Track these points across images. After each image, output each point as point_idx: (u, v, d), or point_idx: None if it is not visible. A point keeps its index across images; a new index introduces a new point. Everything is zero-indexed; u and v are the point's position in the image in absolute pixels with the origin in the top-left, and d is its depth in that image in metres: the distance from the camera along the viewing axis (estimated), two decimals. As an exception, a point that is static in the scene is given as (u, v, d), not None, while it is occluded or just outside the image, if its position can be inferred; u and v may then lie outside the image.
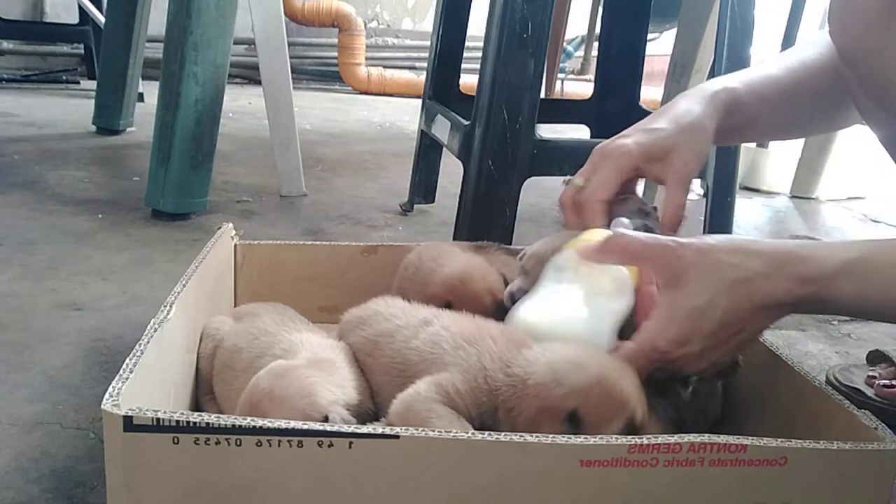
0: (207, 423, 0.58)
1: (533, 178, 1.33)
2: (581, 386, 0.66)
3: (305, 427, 0.59)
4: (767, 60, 0.94)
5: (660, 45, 3.48)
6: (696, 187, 2.47)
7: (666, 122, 0.82)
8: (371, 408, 0.79)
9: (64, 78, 3.86)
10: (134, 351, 0.68)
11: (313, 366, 0.76)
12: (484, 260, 1.01)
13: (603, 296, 0.76)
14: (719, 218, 1.57)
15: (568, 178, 0.85)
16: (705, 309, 0.67)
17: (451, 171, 1.94)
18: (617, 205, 0.85)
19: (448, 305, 0.89)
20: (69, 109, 3.11)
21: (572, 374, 0.67)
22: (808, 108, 0.90)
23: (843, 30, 0.76)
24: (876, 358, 1.13)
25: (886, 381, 1.06)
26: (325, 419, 0.68)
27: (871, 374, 1.10)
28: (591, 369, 0.67)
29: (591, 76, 2.82)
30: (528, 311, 0.78)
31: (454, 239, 1.39)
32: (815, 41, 0.90)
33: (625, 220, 0.80)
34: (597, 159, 0.83)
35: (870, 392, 1.06)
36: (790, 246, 0.68)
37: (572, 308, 0.76)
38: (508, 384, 0.69)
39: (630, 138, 0.82)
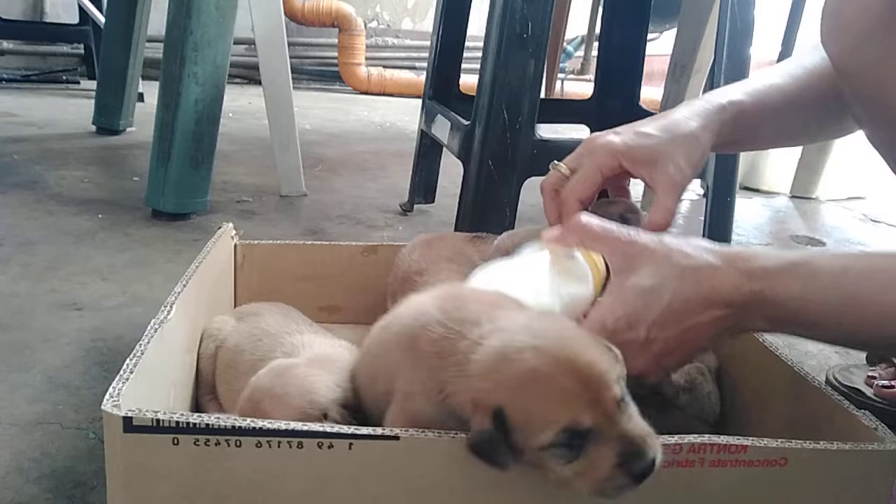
0: (207, 425, 0.58)
1: (533, 178, 1.33)
2: (506, 378, 0.57)
3: (305, 428, 0.59)
4: (769, 69, 0.93)
5: (660, 45, 3.48)
6: (696, 187, 2.47)
7: (659, 130, 0.81)
8: None
9: (64, 78, 3.86)
10: (134, 351, 0.68)
11: (313, 364, 0.76)
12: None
13: (560, 277, 0.75)
14: (719, 218, 1.56)
15: (555, 162, 0.85)
16: (654, 291, 0.66)
17: (451, 171, 1.94)
18: (603, 206, 0.85)
19: None
20: (69, 109, 3.11)
21: (503, 360, 0.58)
22: (815, 114, 0.90)
23: (835, 41, 0.76)
24: (876, 358, 1.14)
25: (886, 382, 1.06)
26: (325, 416, 0.68)
27: (870, 374, 1.10)
28: (526, 356, 0.57)
29: (591, 76, 2.82)
30: (480, 278, 0.78)
31: (454, 239, 1.39)
32: (816, 45, 0.89)
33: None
34: (584, 152, 0.83)
35: (869, 392, 1.06)
36: (741, 248, 0.68)
37: (524, 282, 0.75)
38: (453, 361, 0.61)
39: (620, 136, 0.82)
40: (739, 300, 0.65)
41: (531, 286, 0.74)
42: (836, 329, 0.65)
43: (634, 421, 0.59)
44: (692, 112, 0.84)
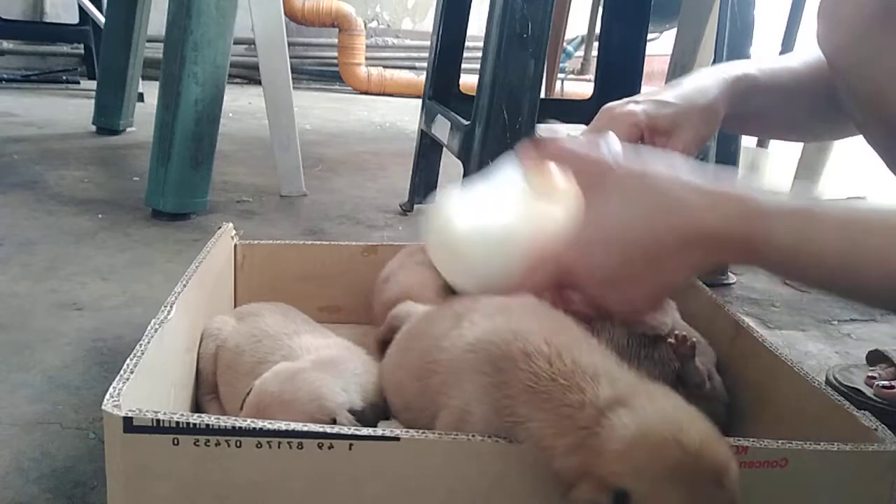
0: (207, 425, 0.58)
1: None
2: (648, 467, 0.54)
3: (305, 429, 0.59)
4: (787, 54, 0.92)
5: (660, 45, 3.48)
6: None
7: (678, 99, 0.80)
8: (379, 404, 0.79)
9: (64, 78, 3.86)
10: (134, 351, 0.68)
11: (320, 368, 0.76)
12: (424, 275, 1.01)
13: (531, 198, 0.73)
14: (719, 218, 1.56)
15: (570, 134, 0.84)
16: (623, 224, 0.62)
17: (451, 171, 1.94)
18: None
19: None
20: (69, 109, 3.11)
21: (640, 448, 0.54)
22: (824, 103, 0.88)
23: (831, 40, 0.76)
24: (876, 358, 1.13)
25: (886, 382, 1.06)
26: (333, 422, 0.68)
27: (870, 374, 1.10)
28: (669, 447, 0.54)
29: (591, 76, 2.82)
30: (453, 197, 0.77)
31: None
32: None
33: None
34: (605, 120, 0.81)
35: (869, 392, 1.06)
36: (735, 185, 0.63)
37: (493, 201, 0.74)
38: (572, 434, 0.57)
39: (640, 106, 0.80)
40: (722, 236, 0.61)
41: (500, 206, 0.73)
42: (831, 281, 0.61)
43: None
44: (708, 82, 0.82)
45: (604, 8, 2.05)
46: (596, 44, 2.52)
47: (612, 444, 0.55)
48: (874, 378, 1.08)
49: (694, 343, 0.80)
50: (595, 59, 2.10)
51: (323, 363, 0.78)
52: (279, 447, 0.59)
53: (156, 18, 2.53)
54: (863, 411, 0.70)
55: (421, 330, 0.78)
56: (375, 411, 0.77)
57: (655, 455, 0.54)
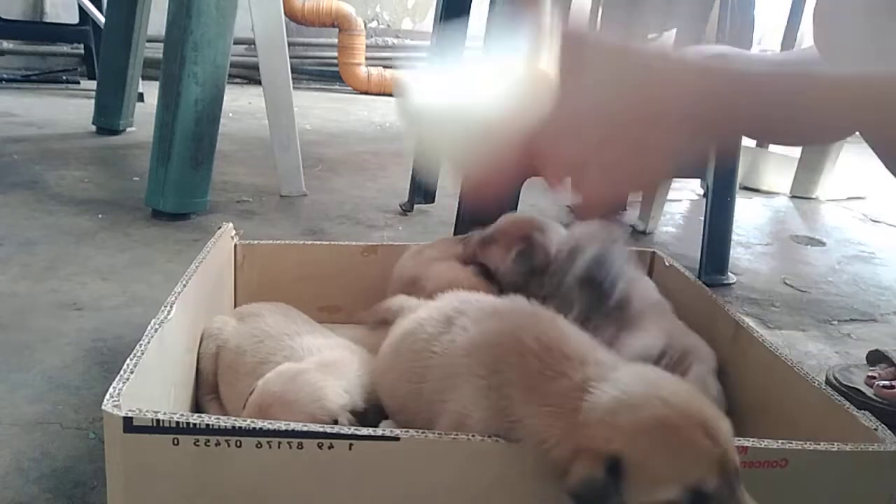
0: (207, 425, 0.58)
1: (533, 178, 1.33)
2: (631, 425, 0.54)
3: (305, 429, 0.59)
4: (786, 52, 0.93)
5: (660, 45, 3.48)
6: (696, 187, 2.47)
7: None
8: (381, 405, 0.79)
9: (64, 78, 3.86)
10: (134, 351, 0.68)
11: (322, 369, 0.76)
12: (463, 271, 1.02)
13: (507, 79, 0.68)
14: (719, 218, 1.57)
15: None
16: (602, 95, 0.58)
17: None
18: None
19: None
20: (69, 109, 3.11)
21: (626, 408, 0.55)
22: None
23: (826, 42, 0.76)
24: (876, 358, 1.14)
25: (886, 382, 1.06)
26: (335, 423, 0.68)
27: (870, 374, 1.10)
28: (654, 404, 0.54)
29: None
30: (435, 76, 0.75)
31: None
32: None
33: None
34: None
35: (869, 392, 1.06)
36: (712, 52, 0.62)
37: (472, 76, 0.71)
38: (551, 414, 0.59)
39: None
40: (704, 106, 0.59)
41: (480, 81, 0.70)
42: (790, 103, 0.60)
43: (747, 498, 0.54)
44: None
45: (603, 8, 2.05)
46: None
47: (596, 413, 0.55)
48: (874, 378, 1.08)
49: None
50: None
51: (326, 365, 0.78)
52: (279, 447, 0.59)
53: (156, 18, 2.53)
54: (863, 411, 0.70)
55: (410, 331, 0.78)
56: (378, 412, 0.77)
57: (637, 412, 0.54)
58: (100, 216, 1.75)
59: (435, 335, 0.73)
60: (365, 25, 4.65)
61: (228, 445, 0.59)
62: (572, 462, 0.55)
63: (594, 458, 0.54)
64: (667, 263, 1.14)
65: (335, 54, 4.54)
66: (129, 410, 0.58)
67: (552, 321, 0.70)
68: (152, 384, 0.71)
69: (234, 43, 1.83)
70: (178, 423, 0.58)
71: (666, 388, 0.56)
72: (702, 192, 2.41)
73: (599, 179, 0.60)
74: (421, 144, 0.76)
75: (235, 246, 1.12)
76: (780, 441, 0.63)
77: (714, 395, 0.84)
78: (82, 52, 4.03)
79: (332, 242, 1.19)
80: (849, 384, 1.09)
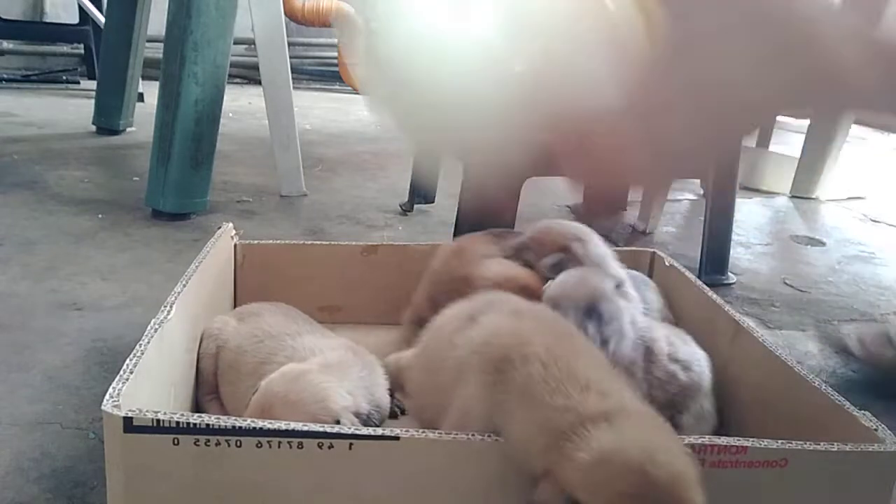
0: (207, 425, 0.58)
1: (533, 177, 1.33)
2: (605, 490, 0.54)
3: (306, 429, 0.59)
4: None
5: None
6: (696, 187, 2.47)
7: None
8: (384, 407, 0.80)
9: (64, 78, 3.86)
10: (134, 351, 0.68)
11: (326, 371, 0.76)
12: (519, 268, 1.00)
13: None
14: (719, 218, 1.57)
15: None
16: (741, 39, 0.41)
17: (450, 171, 1.94)
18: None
19: None
20: (69, 109, 3.11)
21: (606, 471, 0.54)
22: None
23: None
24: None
25: None
26: (337, 423, 0.68)
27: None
28: (632, 478, 0.53)
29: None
30: None
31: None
32: None
33: None
34: None
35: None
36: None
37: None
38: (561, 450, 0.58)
39: None
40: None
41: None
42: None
43: None
44: None
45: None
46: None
47: (582, 454, 0.55)
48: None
49: None
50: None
51: (329, 366, 0.78)
52: (279, 447, 0.59)
53: (156, 18, 2.53)
54: (863, 412, 0.70)
55: (438, 327, 0.80)
56: (381, 414, 0.78)
57: (616, 478, 0.54)
58: (100, 216, 1.75)
59: (458, 330, 0.74)
60: (365, 25, 4.64)
61: (228, 445, 0.59)
62: (542, 476, 0.57)
63: (561, 488, 0.56)
64: (667, 263, 1.14)
65: (335, 54, 4.54)
66: (129, 410, 0.58)
67: (570, 335, 0.70)
68: (152, 384, 0.71)
69: (234, 43, 1.83)
70: (178, 423, 0.58)
71: (657, 461, 0.54)
72: (702, 192, 2.41)
73: (649, 169, 0.44)
74: (393, 116, 0.53)
75: (235, 246, 1.12)
76: (780, 441, 0.63)
77: (713, 425, 0.86)
78: (82, 52, 4.03)
79: (332, 242, 1.19)
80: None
